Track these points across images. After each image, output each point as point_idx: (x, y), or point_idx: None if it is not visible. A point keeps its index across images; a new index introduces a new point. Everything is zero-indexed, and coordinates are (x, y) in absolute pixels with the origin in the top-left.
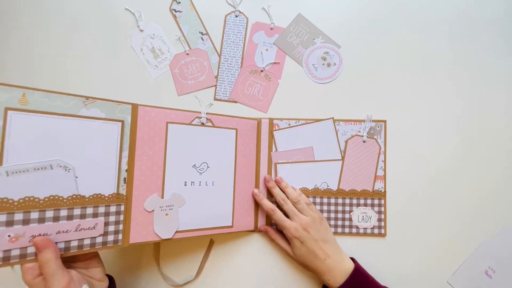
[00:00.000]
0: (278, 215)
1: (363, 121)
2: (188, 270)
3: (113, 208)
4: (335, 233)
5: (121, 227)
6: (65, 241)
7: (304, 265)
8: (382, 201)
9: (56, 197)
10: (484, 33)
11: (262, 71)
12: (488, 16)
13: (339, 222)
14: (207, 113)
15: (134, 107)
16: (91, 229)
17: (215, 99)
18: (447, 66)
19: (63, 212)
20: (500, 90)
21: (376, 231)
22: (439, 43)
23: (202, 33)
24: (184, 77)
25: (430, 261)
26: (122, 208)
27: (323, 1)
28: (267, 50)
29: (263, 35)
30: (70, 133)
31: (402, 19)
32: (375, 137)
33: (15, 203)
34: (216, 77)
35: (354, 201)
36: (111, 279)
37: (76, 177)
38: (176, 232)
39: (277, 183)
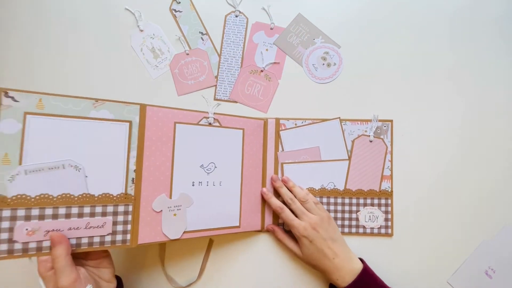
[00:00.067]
0: (287, 213)
1: (370, 120)
2: (193, 271)
3: (121, 208)
4: (342, 233)
5: (129, 227)
6: (76, 238)
7: (312, 265)
8: (389, 201)
9: (68, 195)
10: (484, 33)
11: (262, 71)
12: (488, 15)
13: (346, 222)
14: (214, 113)
15: (142, 107)
16: (100, 227)
17: (215, 99)
18: (447, 66)
19: (74, 210)
20: (500, 89)
21: (383, 231)
22: (439, 43)
23: (202, 33)
24: (184, 77)
25: (430, 261)
26: (130, 208)
27: (323, 1)
28: (267, 50)
29: (263, 35)
30: (81, 134)
31: (402, 19)
32: (382, 136)
33: (32, 199)
34: (216, 77)
35: (361, 201)
36: (119, 280)
37: (86, 176)
38: (184, 232)
39: (284, 182)
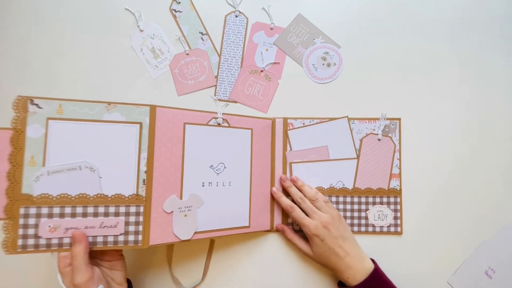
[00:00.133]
0: (297, 212)
1: (378, 119)
2: (199, 273)
3: (132, 209)
4: (352, 232)
5: (140, 228)
6: (92, 236)
7: (322, 263)
8: (398, 199)
9: (84, 195)
10: (484, 33)
11: (262, 71)
12: (488, 15)
13: (355, 221)
14: (223, 113)
15: (152, 109)
16: (113, 227)
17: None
18: (447, 65)
19: (90, 209)
20: (501, 88)
21: (392, 229)
22: (439, 43)
23: (202, 33)
24: (184, 77)
25: (431, 260)
26: (142, 209)
27: (323, 1)
28: (267, 50)
29: (263, 35)
30: (95, 137)
31: (402, 19)
32: (390, 135)
33: (54, 198)
34: (216, 77)
35: (370, 200)
36: (129, 283)
37: (100, 177)
38: (195, 233)
39: (293, 182)
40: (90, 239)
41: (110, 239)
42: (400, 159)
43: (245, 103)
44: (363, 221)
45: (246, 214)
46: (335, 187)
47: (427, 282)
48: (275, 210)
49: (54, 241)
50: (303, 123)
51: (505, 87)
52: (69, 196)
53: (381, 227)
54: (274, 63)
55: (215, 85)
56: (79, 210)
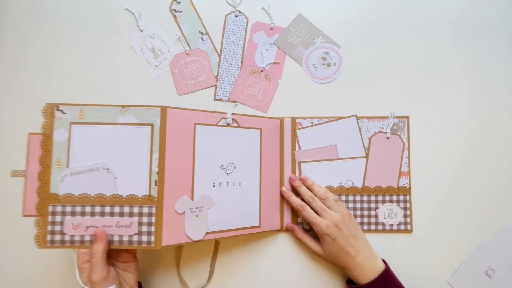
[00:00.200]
0: (308, 211)
1: (386, 117)
2: (206, 274)
3: (145, 210)
4: (362, 230)
5: (153, 228)
6: (109, 235)
7: (333, 262)
8: (408, 197)
9: (102, 195)
10: (484, 33)
11: (262, 71)
12: (490, 13)
13: (365, 220)
14: (232, 114)
15: (163, 110)
16: (127, 227)
17: (215, 99)
18: (447, 65)
19: (107, 209)
20: (502, 87)
21: (402, 227)
22: (440, 43)
23: (202, 33)
24: (184, 77)
25: (430, 260)
26: (154, 210)
27: (323, 1)
28: (267, 50)
29: (263, 35)
30: (111, 139)
31: (402, 19)
32: (399, 133)
33: (76, 198)
34: (216, 77)
35: (380, 198)
36: (139, 285)
37: (116, 178)
38: (206, 233)
39: (303, 181)
40: (108, 238)
41: (125, 238)
42: (409, 157)
43: (245, 103)
44: (373, 220)
45: (257, 214)
46: (344, 186)
47: (427, 282)
48: (285, 209)
49: (77, 238)
50: (312, 122)
51: (505, 84)
52: (89, 196)
53: (391, 225)
54: (274, 63)
55: (215, 85)
56: (98, 209)
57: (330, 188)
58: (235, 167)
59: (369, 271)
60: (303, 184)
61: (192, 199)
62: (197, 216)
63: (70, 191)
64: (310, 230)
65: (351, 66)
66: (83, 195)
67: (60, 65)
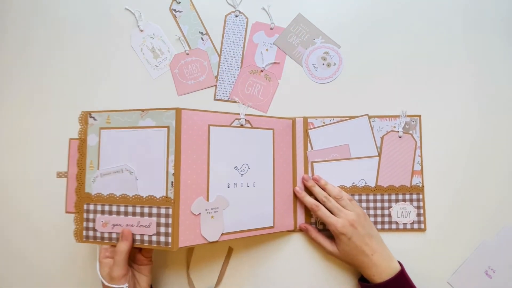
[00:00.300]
0: (323, 211)
1: (398, 116)
2: (214, 277)
3: (163, 211)
4: None
5: (170, 230)
6: (132, 234)
7: (348, 262)
8: (421, 196)
9: (126, 196)
10: (483, 33)
11: (262, 71)
12: (489, 14)
13: (379, 219)
14: (245, 114)
15: (178, 112)
16: (147, 227)
17: (215, 99)
18: (448, 64)
19: (130, 209)
20: (504, 87)
21: (415, 226)
22: (440, 42)
23: (202, 33)
24: (184, 77)
25: (430, 260)
26: (170, 211)
27: (323, 1)
28: (267, 50)
29: (263, 35)
30: (132, 142)
31: (402, 19)
32: (411, 132)
33: (105, 197)
34: (216, 77)
35: (393, 197)
36: None
37: (137, 179)
38: (221, 234)
39: (316, 181)
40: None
41: (145, 238)
42: (421, 156)
43: (245, 103)
44: (386, 219)
45: (271, 215)
46: (357, 185)
47: (427, 282)
48: (298, 209)
49: (106, 234)
50: (324, 122)
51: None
52: (115, 196)
53: (405, 224)
54: (274, 63)
55: (215, 85)
56: (122, 209)
57: (343, 187)
58: (249, 168)
59: (384, 271)
60: (316, 183)
61: (208, 200)
62: (212, 217)
63: (100, 191)
64: (324, 230)
65: (351, 66)
66: (110, 195)
67: (60, 64)
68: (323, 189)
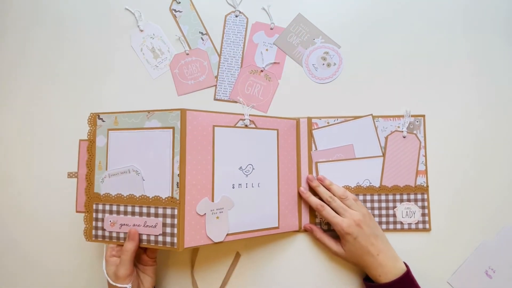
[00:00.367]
0: (328, 211)
1: (402, 116)
2: (219, 280)
3: (168, 211)
4: None
5: (175, 230)
6: (138, 233)
7: (354, 262)
8: (425, 196)
9: (132, 196)
10: (483, 33)
11: (262, 71)
12: (489, 15)
13: (383, 219)
14: (249, 115)
15: (183, 112)
16: (153, 227)
17: (215, 99)
18: (448, 64)
19: (137, 209)
20: (504, 87)
21: (420, 226)
22: (440, 42)
23: (202, 33)
24: (184, 77)
25: (432, 260)
26: (176, 212)
27: (323, 1)
28: (267, 50)
29: (263, 35)
30: (139, 143)
31: (402, 19)
32: (415, 132)
33: (113, 197)
34: (216, 77)
35: (398, 197)
36: None
37: (144, 180)
38: (227, 235)
39: (320, 181)
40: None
41: (152, 238)
42: (425, 156)
43: (248, 103)
44: (391, 219)
45: (275, 215)
46: (362, 185)
47: (427, 282)
48: (303, 210)
49: (114, 234)
50: (328, 122)
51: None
52: (122, 196)
53: (409, 224)
54: (274, 63)
55: (215, 85)
56: (129, 209)
57: (347, 187)
58: (253, 168)
59: (390, 271)
60: (321, 184)
61: (213, 200)
62: (217, 217)
63: (108, 191)
64: (328, 230)
65: (351, 66)
66: (117, 195)
67: (60, 64)
68: (328, 189)
